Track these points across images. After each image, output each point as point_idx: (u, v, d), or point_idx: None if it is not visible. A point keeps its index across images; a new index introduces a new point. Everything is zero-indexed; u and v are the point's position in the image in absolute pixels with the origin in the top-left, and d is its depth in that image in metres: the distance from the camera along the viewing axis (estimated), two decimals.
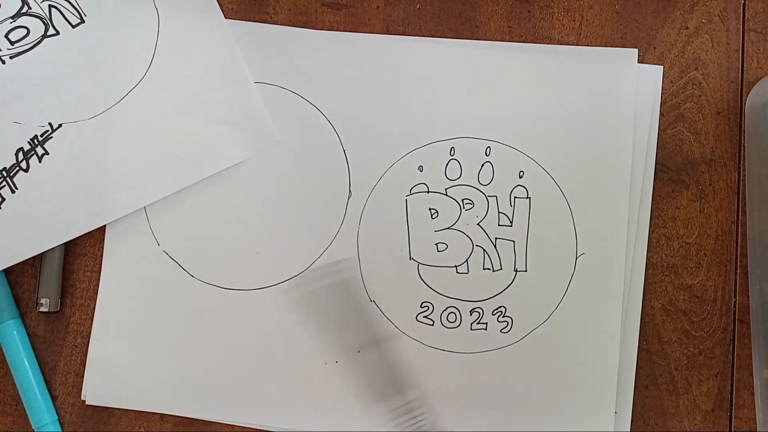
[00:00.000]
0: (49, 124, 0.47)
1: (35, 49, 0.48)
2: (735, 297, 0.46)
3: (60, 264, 0.48)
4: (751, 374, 0.46)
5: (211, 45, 0.48)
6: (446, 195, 0.47)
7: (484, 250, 0.47)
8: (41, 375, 0.47)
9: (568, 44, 0.48)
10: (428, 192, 0.47)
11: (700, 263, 0.47)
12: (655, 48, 0.48)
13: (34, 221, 0.47)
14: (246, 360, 0.47)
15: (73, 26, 0.48)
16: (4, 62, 0.48)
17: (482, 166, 0.47)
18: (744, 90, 0.47)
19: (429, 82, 0.48)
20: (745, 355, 0.46)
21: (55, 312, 0.48)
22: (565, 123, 0.47)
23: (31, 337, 0.48)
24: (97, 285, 0.48)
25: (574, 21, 0.48)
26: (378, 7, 0.49)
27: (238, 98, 0.48)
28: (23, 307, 0.48)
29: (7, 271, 0.48)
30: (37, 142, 0.47)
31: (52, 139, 0.47)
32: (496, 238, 0.47)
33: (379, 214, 0.47)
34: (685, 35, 0.48)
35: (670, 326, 0.46)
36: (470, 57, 0.48)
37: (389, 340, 0.46)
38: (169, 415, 0.47)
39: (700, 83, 0.48)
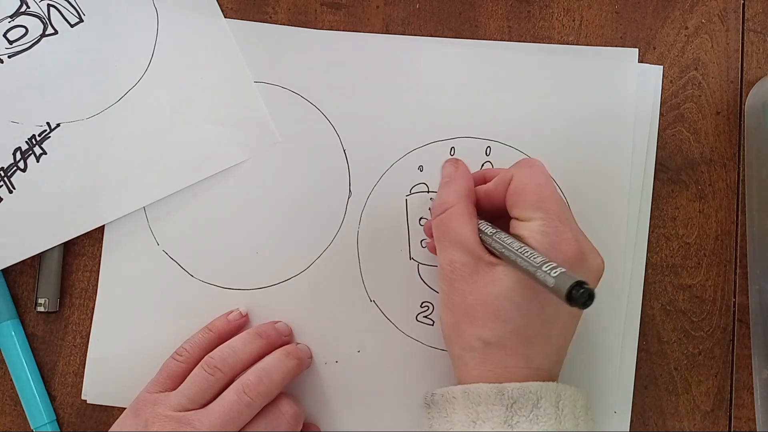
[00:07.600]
0: (47, 123, 0.47)
1: (33, 48, 0.48)
2: (734, 297, 0.47)
3: (59, 264, 0.47)
4: (751, 374, 0.46)
5: (211, 45, 0.48)
6: None
7: None
8: (39, 375, 0.47)
9: (568, 44, 0.48)
10: (428, 192, 0.47)
11: (699, 263, 0.47)
12: (654, 48, 0.48)
13: (33, 221, 0.46)
14: None
15: (72, 25, 0.48)
16: (2, 61, 0.47)
17: (482, 165, 0.47)
18: (744, 90, 0.47)
19: (429, 82, 0.48)
20: (744, 355, 0.46)
21: (54, 312, 0.47)
22: (564, 123, 0.47)
23: (30, 337, 0.48)
24: (96, 285, 0.47)
25: (574, 21, 0.48)
26: (378, 6, 0.49)
27: (238, 98, 0.48)
28: (22, 307, 0.48)
29: (5, 271, 0.48)
30: (35, 142, 0.47)
31: (50, 139, 0.47)
32: None
33: (379, 214, 0.47)
34: (685, 35, 0.48)
35: (670, 326, 0.46)
36: (470, 57, 0.48)
37: (389, 340, 0.46)
38: None
39: (700, 83, 0.48)
